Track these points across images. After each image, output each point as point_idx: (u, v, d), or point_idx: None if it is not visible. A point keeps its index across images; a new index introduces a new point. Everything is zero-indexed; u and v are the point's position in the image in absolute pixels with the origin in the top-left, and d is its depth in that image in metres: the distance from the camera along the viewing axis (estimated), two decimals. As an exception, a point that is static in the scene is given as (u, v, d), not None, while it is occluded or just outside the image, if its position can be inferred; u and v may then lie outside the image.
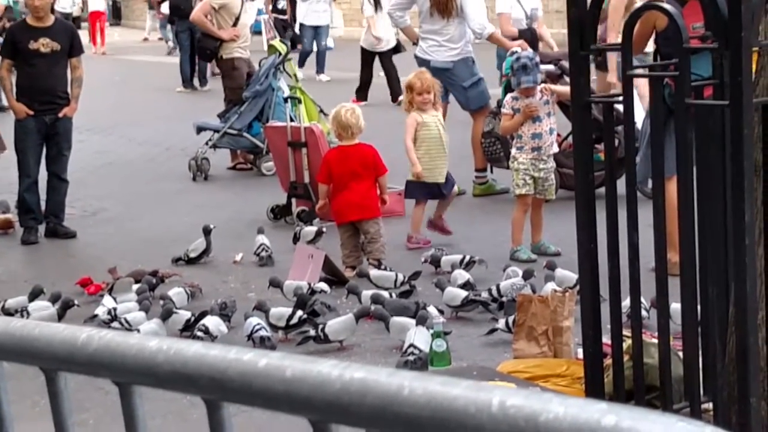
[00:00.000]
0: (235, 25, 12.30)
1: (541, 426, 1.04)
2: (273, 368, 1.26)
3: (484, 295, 6.81)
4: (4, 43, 9.53)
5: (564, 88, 7.77)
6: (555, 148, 8.15)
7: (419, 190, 8.44)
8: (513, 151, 8.11)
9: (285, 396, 1.24)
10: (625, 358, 4.38)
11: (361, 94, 16.36)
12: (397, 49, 16.41)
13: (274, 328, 6.41)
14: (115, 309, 6.77)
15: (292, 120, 9.92)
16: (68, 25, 9.66)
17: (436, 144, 8.34)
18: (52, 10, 9.93)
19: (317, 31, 20.00)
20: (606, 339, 4.42)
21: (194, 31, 18.72)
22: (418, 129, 8.29)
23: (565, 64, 8.49)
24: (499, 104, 9.74)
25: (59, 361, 1.51)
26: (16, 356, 1.58)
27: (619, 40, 4.20)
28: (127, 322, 6.49)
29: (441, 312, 6.57)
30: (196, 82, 19.54)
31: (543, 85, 8.19)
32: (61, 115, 9.17)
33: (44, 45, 9.08)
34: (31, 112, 9.10)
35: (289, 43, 15.51)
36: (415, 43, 10.52)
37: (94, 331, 1.50)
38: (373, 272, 7.43)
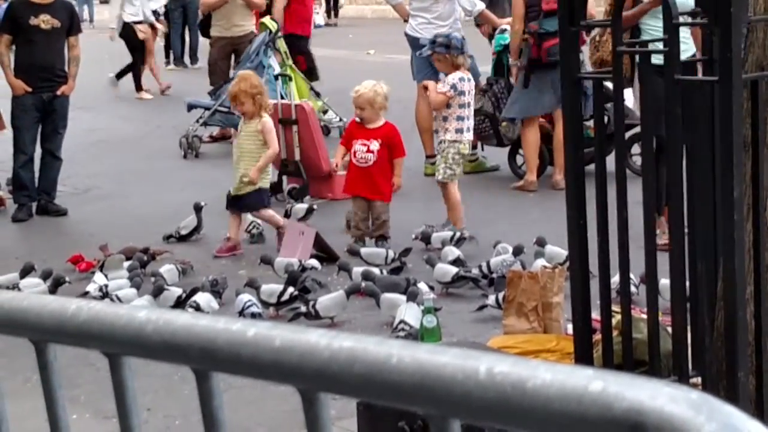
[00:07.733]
0: None
1: (528, 392, 1.04)
2: (262, 337, 1.27)
3: (475, 271, 6.82)
4: (5, 19, 9.48)
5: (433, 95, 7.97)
6: (449, 136, 8.03)
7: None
8: None
9: (274, 365, 1.25)
10: (615, 333, 4.40)
11: None
12: None
13: (265, 304, 6.43)
14: (106, 286, 6.78)
15: (282, 97, 9.90)
16: (68, 3, 9.63)
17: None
18: None
19: None
20: (595, 314, 4.43)
21: (187, 8, 18.66)
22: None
23: None
24: (489, 82, 9.73)
25: (49, 332, 1.51)
26: (5, 328, 1.58)
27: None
28: (118, 298, 6.50)
29: (431, 288, 6.59)
30: (186, 59, 19.47)
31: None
32: (59, 93, 9.17)
33: (44, 21, 9.05)
34: (29, 89, 9.08)
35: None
36: (406, 21, 10.49)
37: (84, 302, 1.50)
38: (364, 249, 7.45)
